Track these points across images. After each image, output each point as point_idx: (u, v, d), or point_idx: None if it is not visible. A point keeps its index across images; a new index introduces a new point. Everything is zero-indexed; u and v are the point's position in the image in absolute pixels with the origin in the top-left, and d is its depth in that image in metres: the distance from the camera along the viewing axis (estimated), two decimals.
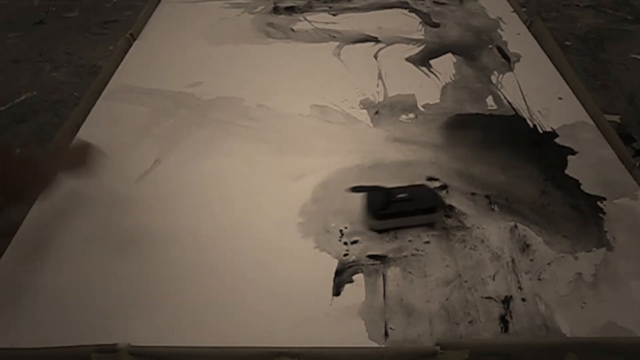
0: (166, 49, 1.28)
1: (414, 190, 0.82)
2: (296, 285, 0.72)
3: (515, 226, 0.80)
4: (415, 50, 1.26)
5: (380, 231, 0.78)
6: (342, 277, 0.73)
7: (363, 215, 0.80)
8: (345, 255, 0.76)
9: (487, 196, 0.86)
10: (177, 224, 0.82)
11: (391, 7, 1.47)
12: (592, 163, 0.92)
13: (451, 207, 0.84)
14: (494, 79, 1.15)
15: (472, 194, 0.86)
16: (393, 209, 0.77)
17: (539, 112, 1.04)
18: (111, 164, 0.93)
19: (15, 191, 0.68)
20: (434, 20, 1.40)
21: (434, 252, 0.77)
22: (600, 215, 0.82)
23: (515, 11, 1.43)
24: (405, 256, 0.76)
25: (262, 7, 1.47)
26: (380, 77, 1.16)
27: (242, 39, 1.32)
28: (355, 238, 0.79)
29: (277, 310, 0.69)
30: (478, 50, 1.26)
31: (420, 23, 1.38)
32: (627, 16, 2.48)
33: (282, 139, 0.99)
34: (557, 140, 0.97)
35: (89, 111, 1.06)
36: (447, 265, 0.75)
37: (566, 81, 1.13)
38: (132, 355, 0.62)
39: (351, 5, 1.48)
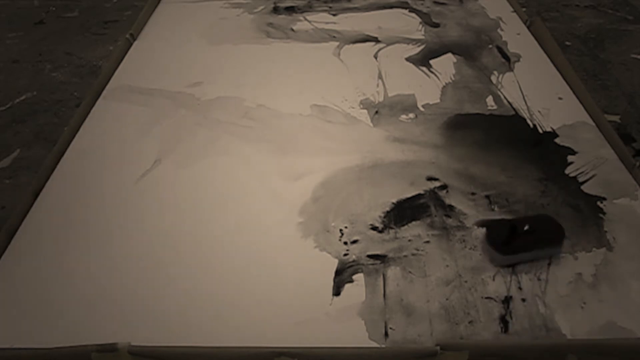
0: (166, 49, 1.28)
1: (538, 220, 0.79)
2: (296, 285, 0.72)
3: None
4: (415, 50, 1.26)
5: (506, 266, 0.74)
6: (342, 276, 0.73)
7: (486, 250, 0.76)
8: (345, 255, 0.76)
9: (487, 196, 0.86)
10: (177, 224, 0.82)
11: (391, 7, 1.47)
12: (592, 163, 0.92)
13: (451, 207, 0.84)
14: (494, 79, 1.15)
15: (472, 194, 0.86)
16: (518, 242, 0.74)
17: (539, 112, 1.04)
18: (111, 164, 0.94)
19: None
20: (434, 20, 1.40)
21: (434, 252, 0.77)
22: (600, 215, 0.82)
23: (515, 11, 1.43)
24: (405, 256, 0.76)
25: (262, 7, 1.47)
26: (380, 77, 1.16)
27: (242, 39, 1.32)
28: (355, 238, 0.79)
29: (277, 310, 0.69)
30: (478, 50, 1.26)
31: (420, 23, 1.38)
32: (627, 16, 2.48)
33: (282, 139, 0.99)
34: (557, 140, 0.97)
35: (89, 111, 1.06)
36: (447, 265, 0.75)
37: (566, 81, 1.13)
38: (132, 355, 0.62)
39: (351, 5, 1.48)
